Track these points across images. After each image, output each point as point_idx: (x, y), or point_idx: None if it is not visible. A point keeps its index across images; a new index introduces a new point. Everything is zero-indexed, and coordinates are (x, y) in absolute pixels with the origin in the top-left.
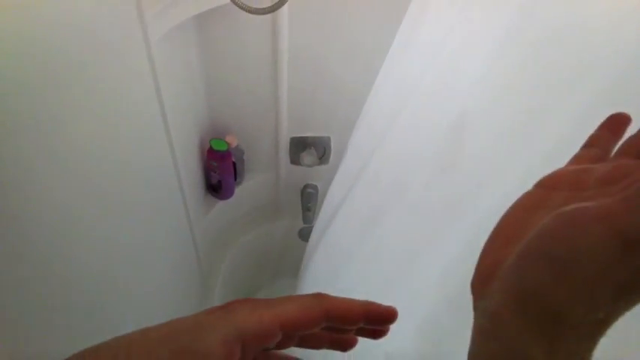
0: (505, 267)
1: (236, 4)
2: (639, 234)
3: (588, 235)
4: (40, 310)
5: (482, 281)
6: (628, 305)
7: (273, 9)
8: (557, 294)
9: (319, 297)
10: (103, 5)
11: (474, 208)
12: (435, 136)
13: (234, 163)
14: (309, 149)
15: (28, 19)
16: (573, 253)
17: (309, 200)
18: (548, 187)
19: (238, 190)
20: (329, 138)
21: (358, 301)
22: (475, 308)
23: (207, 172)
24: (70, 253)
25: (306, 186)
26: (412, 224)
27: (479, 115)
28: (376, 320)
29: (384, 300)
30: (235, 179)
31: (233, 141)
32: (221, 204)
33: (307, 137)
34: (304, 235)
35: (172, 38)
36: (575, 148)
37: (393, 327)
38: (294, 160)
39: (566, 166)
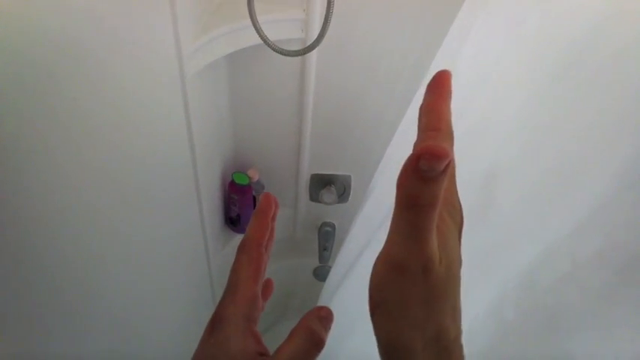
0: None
1: (269, 45)
2: (402, 259)
3: (384, 276)
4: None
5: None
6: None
7: (304, 52)
8: (400, 335)
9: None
10: (141, 42)
11: (499, 268)
12: (464, 187)
13: (254, 197)
14: (329, 187)
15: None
16: (385, 296)
17: (326, 239)
18: None
19: None
20: (349, 177)
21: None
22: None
23: (227, 204)
24: (91, 285)
25: (323, 224)
26: None
27: (511, 169)
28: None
29: None
30: None
31: (255, 175)
32: (238, 238)
33: (328, 175)
34: (319, 274)
35: (205, 74)
36: (611, 211)
37: None
38: (314, 197)
39: None
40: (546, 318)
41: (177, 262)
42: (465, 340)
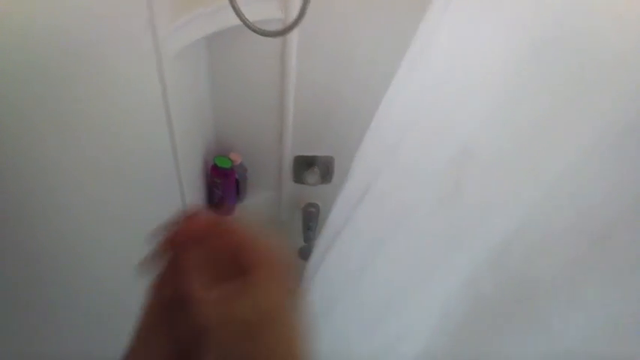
0: None
1: (248, 26)
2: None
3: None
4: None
5: None
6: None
7: (283, 32)
8: None
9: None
10: (116, 25)
11: (473, 244)
12: (437, 166)
13: (237, 181)
14: (312, 168)
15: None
16: None
17: (310, 219)
18: None
19: (239, 208)
20: (332, 158)
21: None
22: None
23: (210, 188)
24: (73, 281)
25: (307, 205)
26: (414, 253)
27: (482, 147)
28: None
29: (383, 328)
30: (238, 197)
31: (237, 158)
32: None
33: (311, 156)
34: (304, 254)
35: (184, 56)
36: (579, 182)
37: (391, 354)
38: (297, 178)
39: None
40: (522, 291)
41: None
42: (442, 317)
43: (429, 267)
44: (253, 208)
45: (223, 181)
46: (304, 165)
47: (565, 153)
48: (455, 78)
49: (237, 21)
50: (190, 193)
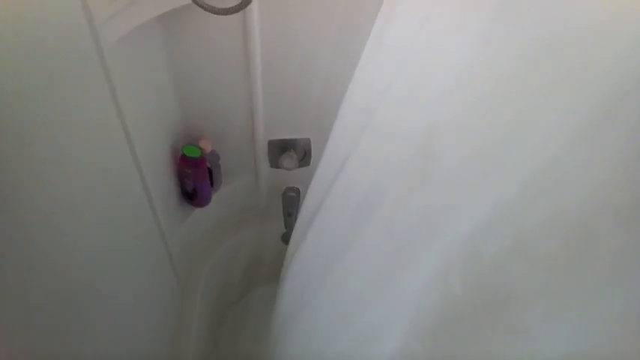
0: None
1: (198, 4)
2: None
3: None
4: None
5: None
6: None
7: (238, 9)
8: None
9: None
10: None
11: (443, 234)
12: (403, 148)
13: (209, 169)
14: (288, 152)
15: None
16: None
17: (290, 204)
18: None
19: (216, 197)
20: (309, 140)
21: None
22: None
23: (181, 179)
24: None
25: (287, 189)
26: (384, 243)
27: (451, 126)
28: None
29: (357, 323)
30: (212, 185)
31: (207, 146)
32: (197, 212)
33: (286, 140)
34: (288, 239)
35: (131, 41)
36: (550, 175)
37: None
38: (274, 163)
39: None
40: (495, 291)
41: (128, 238)
42: (414, 316)
43: (399, 258)
44: (230, 196)
45: (194, 171)
46: (280, 149)
47: (540, 140)
48: (420, 44)
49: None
50: (156, 184)
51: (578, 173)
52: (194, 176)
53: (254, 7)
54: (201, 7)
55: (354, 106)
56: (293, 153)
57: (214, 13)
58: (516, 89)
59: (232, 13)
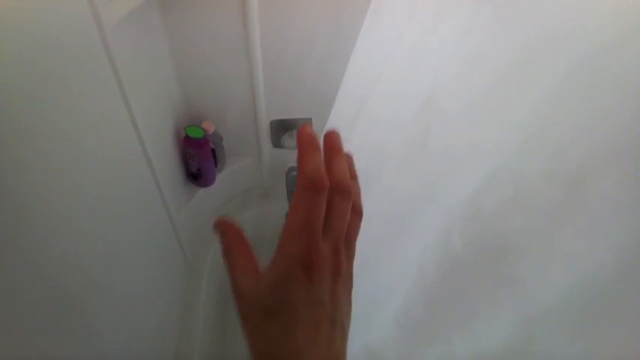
0: None
1: None
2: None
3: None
4: (19, 307)
5: None
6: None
7: None
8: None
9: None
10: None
11: (444, 197)
12: (403, 118)
13: (213, 150)
14: (290, 132)
15: None
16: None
17: (293, 183)
18: None
19: (220, 177)
20: (310, 119)
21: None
22: None
23: (185, 160)
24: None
25: (290, 169)
26: (386, 210)
27: (447, 96)
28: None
29: (360, 289)
30: (216, 166)
31: (210, 127)
32: (202, 192)
33: (288, 120)
34: None
35: (132, 22)
36: (547, 125)
37: (371, 318)
38: (276, 143)
39: None
40: (493, 244)
41: (136, 220)
42: (416, 275)
43: (402, 223)
44: (234, 176)
45: (197, 152)
46: (282, 129)
47: (532, 97)
48: (418, 15)
49: None
50: (161, 166)
51: (569, 120)
52: (198, 156)
53: None
54: None
55: (355, 80)
56: (294, 133)
57: None
58: (506, 47)
59: None
